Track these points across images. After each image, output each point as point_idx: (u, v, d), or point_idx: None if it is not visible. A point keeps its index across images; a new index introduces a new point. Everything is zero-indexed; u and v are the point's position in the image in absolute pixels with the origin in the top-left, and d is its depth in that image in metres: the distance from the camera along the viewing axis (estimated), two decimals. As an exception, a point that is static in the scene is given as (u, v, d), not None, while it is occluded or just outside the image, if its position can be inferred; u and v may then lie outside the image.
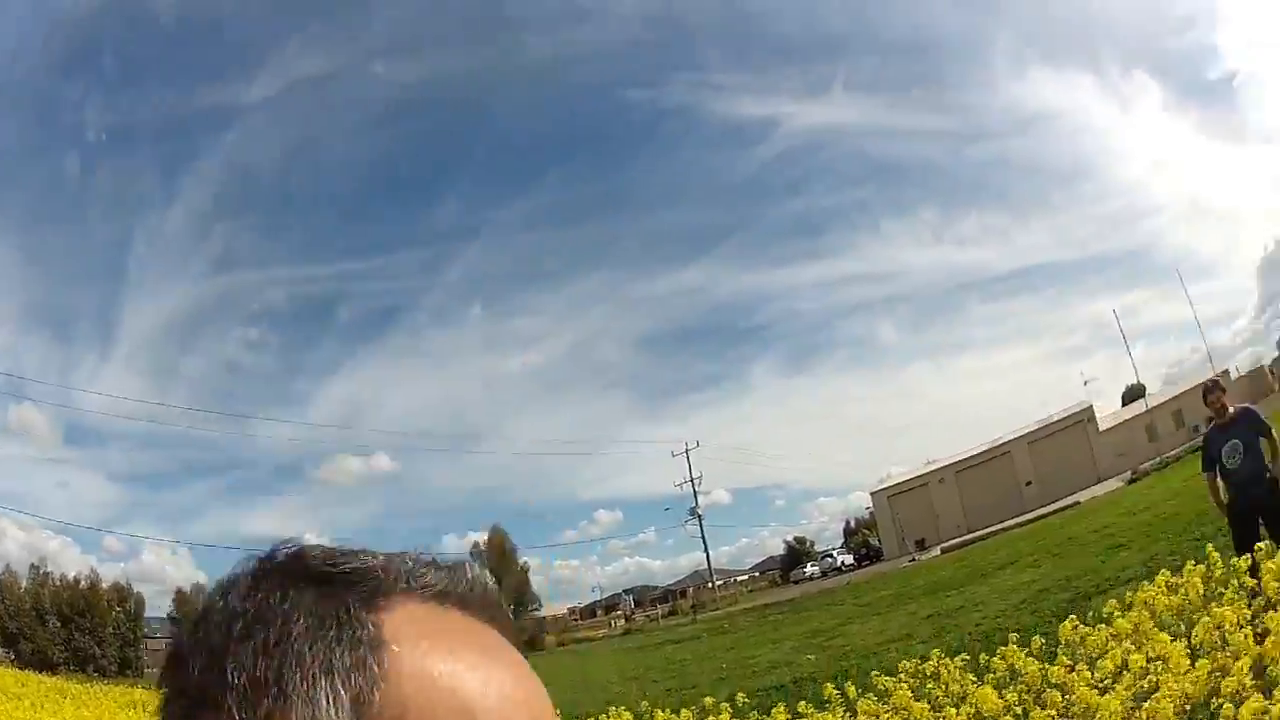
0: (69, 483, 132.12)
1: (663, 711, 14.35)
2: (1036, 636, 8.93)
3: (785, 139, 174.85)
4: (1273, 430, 10.62)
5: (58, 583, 55.37)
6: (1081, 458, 72.09)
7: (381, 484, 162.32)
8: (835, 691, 10.30)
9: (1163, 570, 14.45)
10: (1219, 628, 6.45)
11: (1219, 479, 11.29)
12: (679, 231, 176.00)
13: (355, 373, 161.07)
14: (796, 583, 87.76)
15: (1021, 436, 77.80)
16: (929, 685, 8.88)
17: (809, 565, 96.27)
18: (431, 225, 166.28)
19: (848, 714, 9.93)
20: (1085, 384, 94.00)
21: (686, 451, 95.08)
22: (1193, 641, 6.41)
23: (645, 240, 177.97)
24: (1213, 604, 7.38)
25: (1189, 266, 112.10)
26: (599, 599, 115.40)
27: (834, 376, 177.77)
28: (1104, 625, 8.24)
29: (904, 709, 8.63)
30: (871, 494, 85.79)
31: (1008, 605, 18.88)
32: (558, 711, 0.85)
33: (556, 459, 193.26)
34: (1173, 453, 55.29)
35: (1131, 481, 49.67)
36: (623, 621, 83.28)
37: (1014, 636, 9.34)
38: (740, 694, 15.32)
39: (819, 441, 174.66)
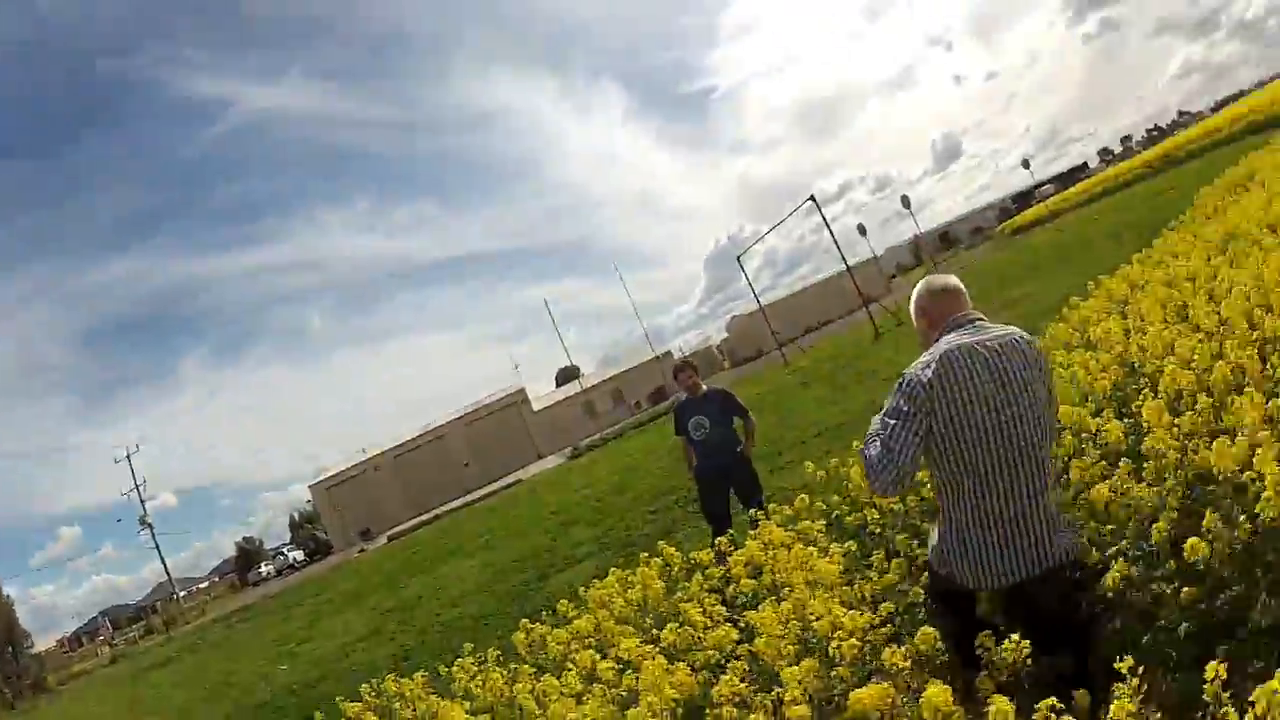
0: None
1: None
2: (491, 649, 8.83)
3: (236, 119, 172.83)
4: (749, 414, 11.11)
5: None
6: (518, 437, 75.98)
7: None
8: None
9: (614, 546, 16.56)
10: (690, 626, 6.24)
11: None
12: (122, 215, 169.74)
13: None
14: (255, 584, 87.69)
15: (457, 419, 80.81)
16: (397, 706, 8.74)
17: (263, 565, 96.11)
18: None
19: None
20: (516, 367, 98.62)
21: (128, 457, 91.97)
22: (663, 642, 6.19)
23: (89, 225, 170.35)
24: (679, 597, 7.48)
25: (633, 258, 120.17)
26: (81, 626, 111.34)
27: (263, 367, 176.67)
28: (562, 629, 8.07)
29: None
30: (310, 487, 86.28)
31: (465, 590, 19.80)
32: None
33: (11, 472, 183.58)
34: (613, 429, 59.03)
35: (574, 458, 52.03)
36: (107, 649, 79.93)
37: (468, 646, 9.30)
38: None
39: (254, 434, 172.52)
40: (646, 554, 9.45)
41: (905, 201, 42.27)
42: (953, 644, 4.41)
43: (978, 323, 4.41)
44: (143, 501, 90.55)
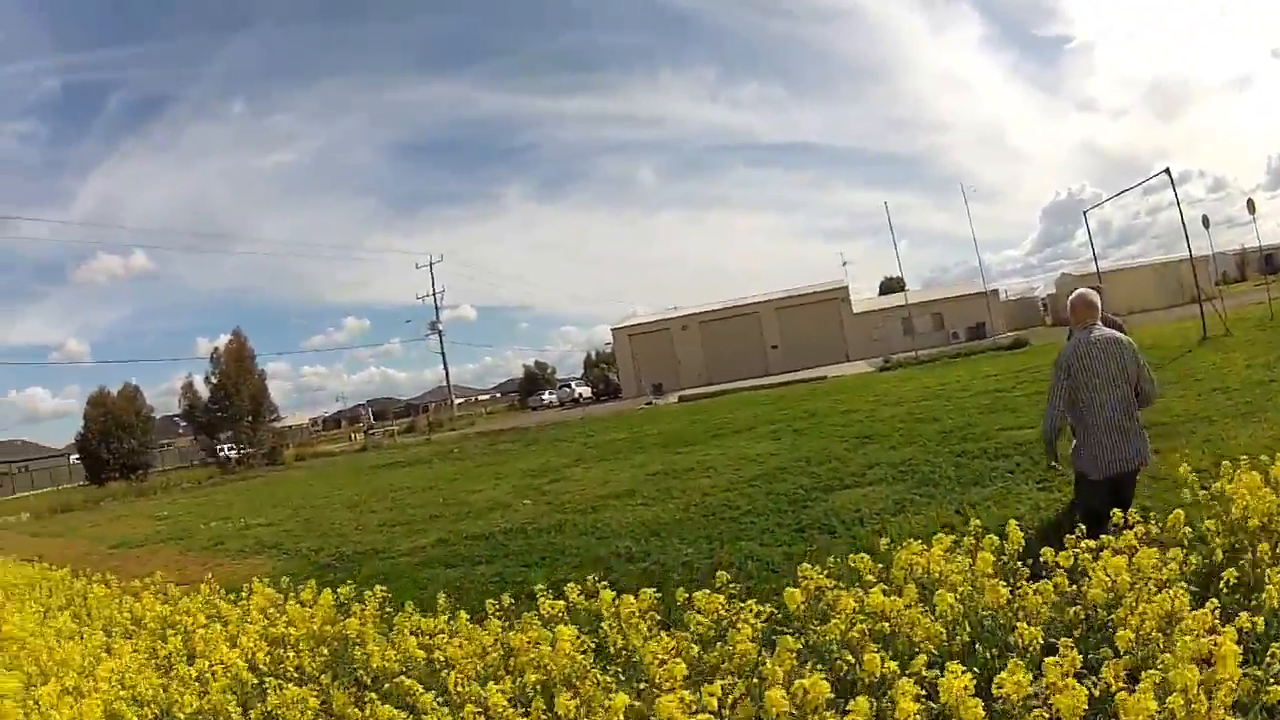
0: None
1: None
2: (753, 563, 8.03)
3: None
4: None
5: None
6: (832, 333, 73.37)
7: (139, 283, 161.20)
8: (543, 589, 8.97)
9: (910, 479, 14.39)
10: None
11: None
12: (445, 41, 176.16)
13: (117, 168, 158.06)
14: (534, 409, 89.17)
15: (771, 300, 78.18)
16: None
17: (547, 393, 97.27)
18: (204, 12, 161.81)
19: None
20: (844, 264, 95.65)
21: (430, 264, 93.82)
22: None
23: (410, 45, 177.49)
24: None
25: (969, 188, 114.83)
26: (343, 409, 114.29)
27: (587, 210, 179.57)
28: (847, 594, 6.20)
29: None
30: (613, 330, 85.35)
31: (740, 477, 17.85)
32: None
33: (307, 262, 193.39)
34: (928, 351, 55.55)
35: (884, 369, 49.06)
36: (361, 436, 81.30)
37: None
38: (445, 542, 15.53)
39: (567, 271, 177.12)
40: (976, 521, 8.00)
41: (1250, 206, 37.88)
42: (1087, 514, 7.95)
43: (1094, 327, 8.24)
44: (438, 308, 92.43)
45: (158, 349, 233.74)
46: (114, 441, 62.92)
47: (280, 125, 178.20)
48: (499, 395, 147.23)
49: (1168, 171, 34.55)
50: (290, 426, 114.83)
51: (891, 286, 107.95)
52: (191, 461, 76.29)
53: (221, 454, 65.07)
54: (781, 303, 78.39)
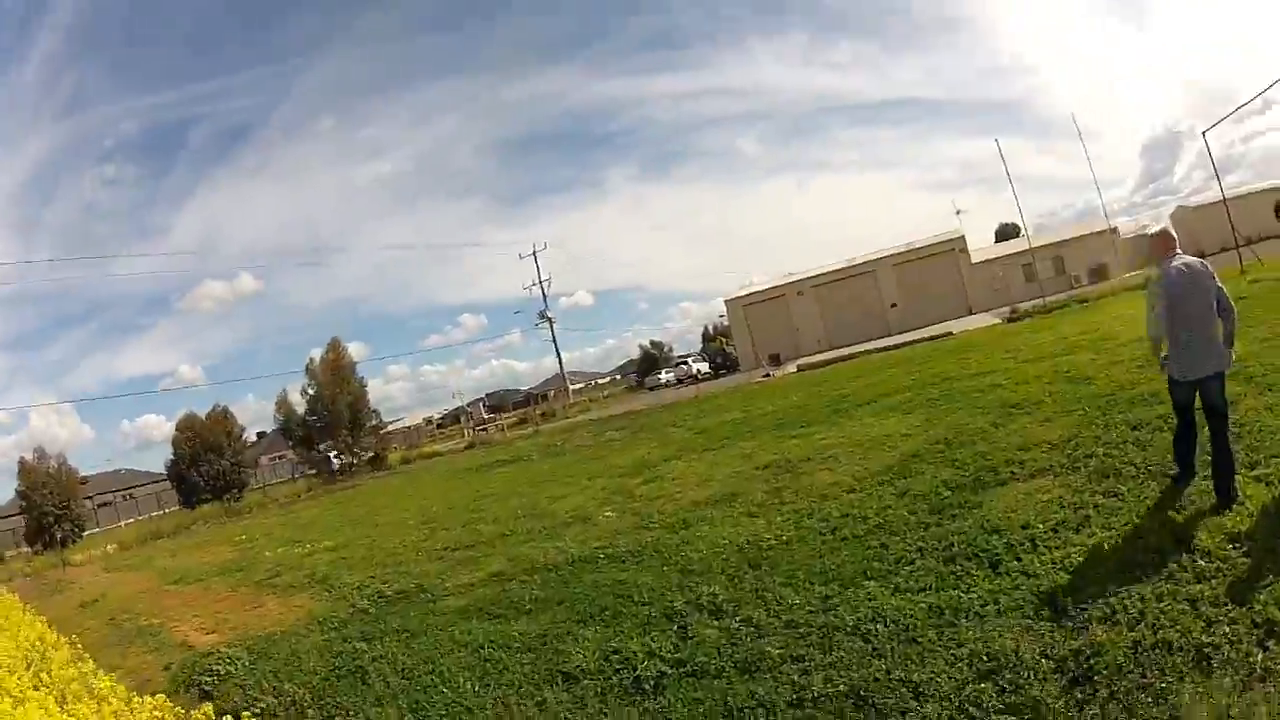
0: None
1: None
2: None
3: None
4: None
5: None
6: (952, 287, 70.36)
7: (247, 305, 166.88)
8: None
9: (1082, 468, 11.44)
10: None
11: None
12: (535, 38, 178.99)
13: (210, 197, 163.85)
14: (651, 389, 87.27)
15: (887, 257, 75.15)
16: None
17: (664, 372, 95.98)
18: (283, 39, 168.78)
19: None
20: (958, 213, 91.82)
21: (534, 254, 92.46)
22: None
23: (500, 47, 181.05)
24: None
25: (1069, 129, 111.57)
26: (461, 405, 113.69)
27: (692, 185, 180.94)
28: None
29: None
30: (726, 302, 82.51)
31: (865, 470, 14.67)
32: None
33: (416, 266, 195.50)
34: (1054, 297, 52.37)
35: (1011, 320, 45.88)
36: (468, 433, 79.65)
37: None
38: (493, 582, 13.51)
39: (678, 248, 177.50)
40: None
41: None
42: (1176, 408, 9.71)
43: (1177, 255, 9.26)
44: (544, 296, 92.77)
45: (271, 367, 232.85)
46: (203, 464, 61.61)
47: (374, 137, 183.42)
48: (618, 377, 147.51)
49: None
50: (408, 427, 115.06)
51: (1006, 233, 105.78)
52: (294, 475, 76.49)
53: (330, 461, 64.71)
54: (898, 259, 74.98)
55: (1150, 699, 5.75)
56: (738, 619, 9.21)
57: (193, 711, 8.64)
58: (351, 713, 9.90)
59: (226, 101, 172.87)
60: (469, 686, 9.58)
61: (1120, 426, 12.71)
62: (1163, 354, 9.63)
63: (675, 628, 9.34)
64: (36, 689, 10.32)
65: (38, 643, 14.39)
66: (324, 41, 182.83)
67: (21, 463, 58.50)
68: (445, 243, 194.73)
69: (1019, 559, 8.71)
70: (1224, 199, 40.79)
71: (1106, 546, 8.35)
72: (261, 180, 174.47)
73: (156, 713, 8.96)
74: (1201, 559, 7.60)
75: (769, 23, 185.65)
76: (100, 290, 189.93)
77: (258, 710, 10.51)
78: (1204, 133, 38.49)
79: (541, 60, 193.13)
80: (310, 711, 10.41)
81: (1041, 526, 9.39)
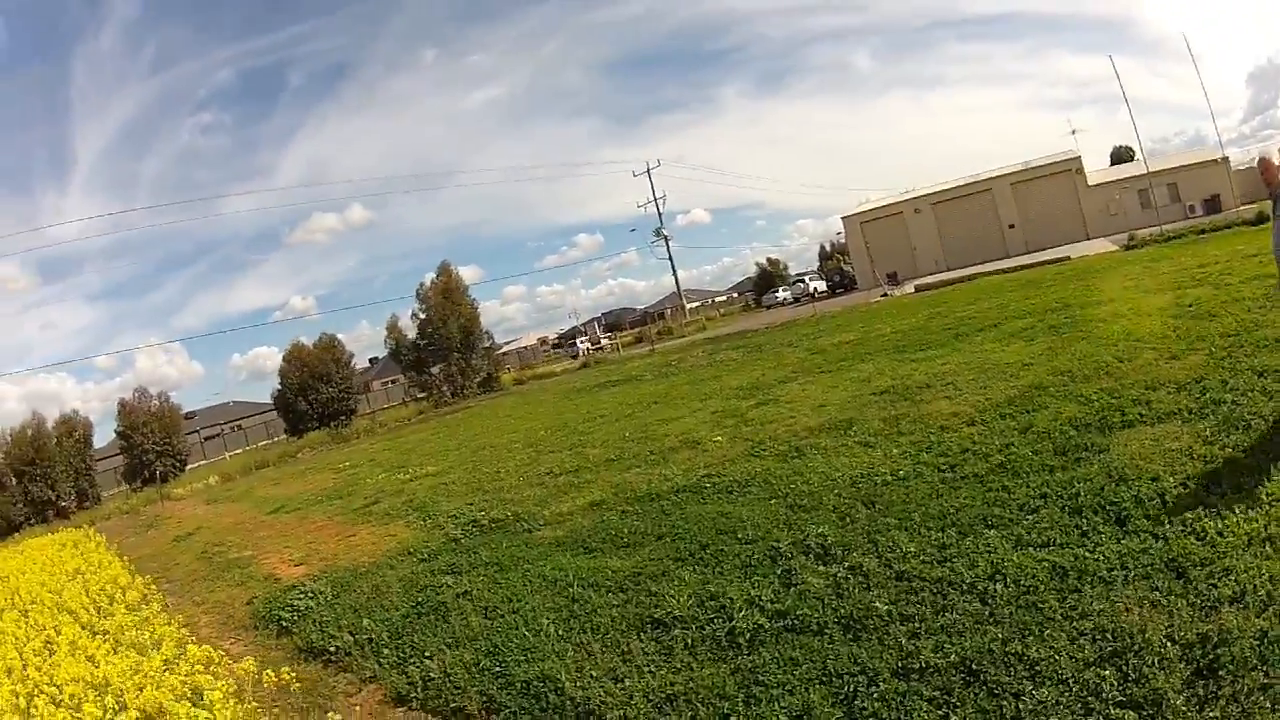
0: (53, 321, 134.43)
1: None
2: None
3: None
4: None
5: (7, 438, 53.84)
6: (1069, 209, 69.04)
7: (360, 234, 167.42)
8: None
9: (1216, 417, 10.62)
10: None
11: None
12: None
13: (315, 134, 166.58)
14: (769, 308, 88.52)
15: (1004, 176, 73.71)
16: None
17: (780, 290, 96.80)
18: None
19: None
20: (1073, 133, 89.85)
21: (649, 171, 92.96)
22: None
23: None
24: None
25: (1176, 50, 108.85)
26: (577, 324, 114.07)
27: (806, 101, 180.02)
28: None
29: None
30: (844, 219, 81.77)
31: (988, 401, 14.30)
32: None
33: (531, 188, 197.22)
34: (1172, 225, 51.40)
35: (1129, 247, 44.52)
36: (583, 353, 79.78)
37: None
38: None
39: (794, 165, 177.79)
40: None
41: None
42: None
43: None
44: (660, 214, 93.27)
45: (386, 293, 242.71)
46: (312, 393, 62.91)
47: (479, 64, 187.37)
48: (735, 295, 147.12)
49: None
50: (525, 347, 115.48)
51: (1121, 156, 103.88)
52: (404, 399, 77.23)
53: (437, 386, 64.85)
54: (1015, 178, 73.29)
55: (1269, 703, 5.28)
56: (846, 565, 8.88)
57: (236, 665, 9.03)
58: (428, 654, 9.76)
59: (322, 41, 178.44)
60: (553, 630, 9.37)
61: (1246, 373, 12.14)
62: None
63: (779, 571, 9.09)
64: (93, 636, 11.25)
65: (108, 586, 15.29)
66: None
67: (121, 404, 60.20)
68: (559, 163, 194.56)
69: (1148, 516, 8.19)
70: None
71: (1237, 510, 7.77)
72: (366, 115, 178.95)
73: (200, 664, 9.17)
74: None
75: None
76: (206, 233, 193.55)
77: (333, 649, 10.81)
78: None
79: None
80: (385, 651, 10.34)
81: (1171, 480, 8.83)
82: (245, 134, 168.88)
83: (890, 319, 33.48)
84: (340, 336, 65.78)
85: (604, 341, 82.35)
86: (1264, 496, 7.88)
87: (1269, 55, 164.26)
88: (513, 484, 18.28)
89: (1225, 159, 69.28)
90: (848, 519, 10.33)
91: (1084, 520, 8.51)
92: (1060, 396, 13.43)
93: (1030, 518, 8.91)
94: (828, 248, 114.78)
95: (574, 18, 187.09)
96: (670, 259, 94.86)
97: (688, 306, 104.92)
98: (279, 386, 64.81)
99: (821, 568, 9.01)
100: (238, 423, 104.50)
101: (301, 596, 13.36)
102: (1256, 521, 7.39)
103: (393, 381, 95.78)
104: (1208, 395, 11.53)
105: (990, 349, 19.55)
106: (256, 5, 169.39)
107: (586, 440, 21.37)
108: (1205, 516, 7.81)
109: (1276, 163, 9.71)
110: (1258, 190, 67.37)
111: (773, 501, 11.81)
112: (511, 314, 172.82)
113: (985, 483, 10.32)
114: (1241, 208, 55.45)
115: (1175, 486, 8.68)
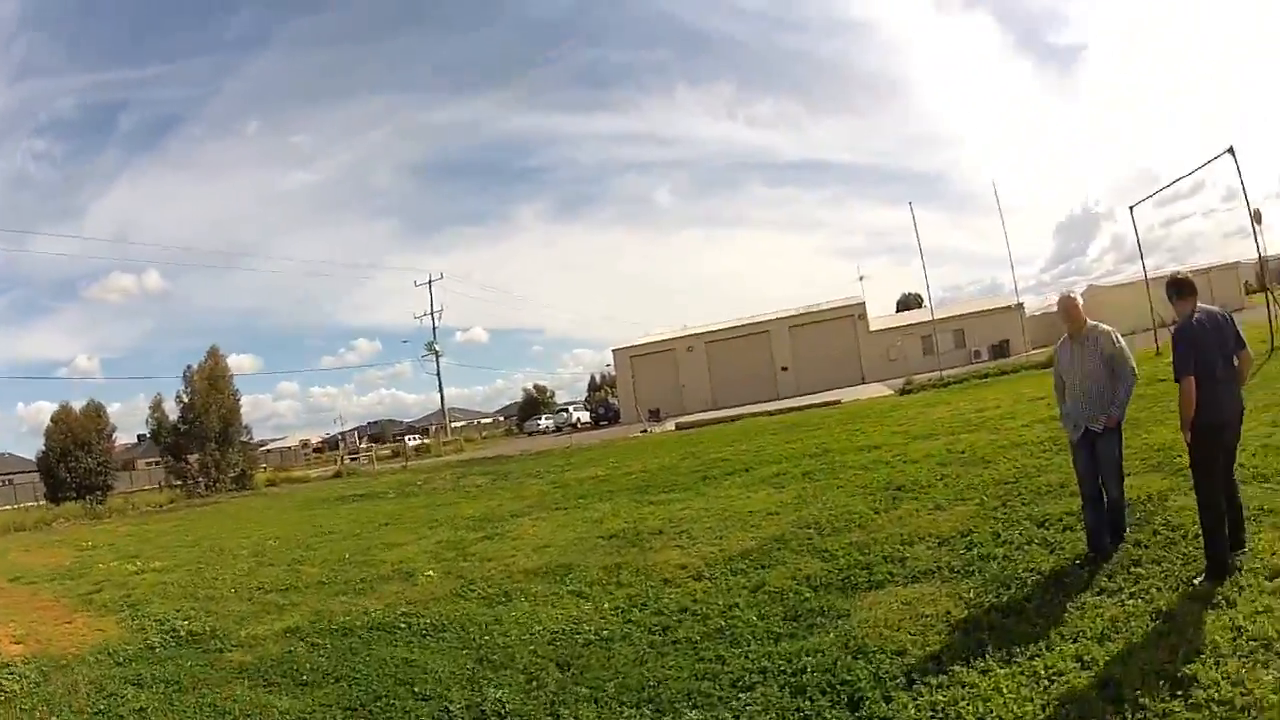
0: None
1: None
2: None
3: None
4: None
5: None
6: (847, 353, 70.07)
7: (152, 302, 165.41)
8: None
9: (979, 576, 9.43)
10: None
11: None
12: (465, 61, 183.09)
13: (133, 185, 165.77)
14: (530, 434, 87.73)
15: (783, 318, 74.34)
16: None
17: (544, 417, 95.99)
18: (221, 34, 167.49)
19: None
20: (860, 278, 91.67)
21: (430, 282, 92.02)
22: None
23: (434, 68, 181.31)
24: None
25: (983, 204, 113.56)
26: (342, 430, 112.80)
27: (605, 230, 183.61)
28: None
29: None
30: (614, 352, 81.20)
31: (721, 553, 12.69)
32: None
33: (322, 283, 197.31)
34: (952, 371, 51.37)
35: (904, 392, 44.37)
36: (342, 461, 77.75)
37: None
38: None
39: (583, 292, 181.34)
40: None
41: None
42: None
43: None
44: (434, 327, 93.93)
45: (169, 368, 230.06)
46: (73, 460, 59.38)
47: (299, 145, 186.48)
48: (501, 419, 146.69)
49: (1231, 150, 30.35)
50: (289, 448, 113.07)
51: (908, 303, 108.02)
52: (161, 484, 73.21)
53: (193, 475, 61.81)
54: (794, 320, 74.22)
55: None
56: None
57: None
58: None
59: (161, 90, 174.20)
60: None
61: (1023, 523, 10.90)
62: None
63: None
64: None
65: None
66: (260, 41, 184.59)
67: None
68: (351, 263, 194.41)
69: (887, 698, 6.62)
70: (1146, 278, 40.03)
71: (1005, 691, 6.30)
72: (184, 175, 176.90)
73: None
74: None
75: (698, 70, 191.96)
76: (11, 267, 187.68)
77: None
78: (1131, 208, 37.81)
79: (470, 84, 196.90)
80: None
81: (920, 653, 7.30)
82: (70, 169, 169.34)
83: (642, 456, 32.43)
84: (117, 406, 63.44)
85: (360, 454, 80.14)
86: (1041, 670, 6.53)
87: (1081, 205, 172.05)
88: (224, 595, 16.72)
89: (1020, 305, 71.53)
90: (535, 682, 8.64)
91: (807, 702, 6.91)
92: (801, 551, 12.03)
93: (744, 696, 7.27)
94: (598, 379, 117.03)
95: (397, 114, 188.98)
96: (439, 375, 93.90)
97: (453, 425, 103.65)
98: (43, 449, 61.33)
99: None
100: (9, 476, 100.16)
101: (9, 678, 12.10)
102: (1031, 704, 6.06)
103: (157, 462, 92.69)
104: (975, 550, 10.24)
105: (735, 495, 18.19)
106: (117, 36, 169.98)
107: (307, 557, 19.80)
108: (962, 699, 6.34)
109: (1080, 304, 9.87)
110: (1052, 334, 69.41)
111: (464, 652, 10.15)
112: (283, 410, 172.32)
113: (699, 650, 8.65)
114: (1032, 352, 57.28)
115: (924, 661, 7.17)
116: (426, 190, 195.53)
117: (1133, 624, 7.05)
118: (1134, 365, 9.41)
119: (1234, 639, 6.40)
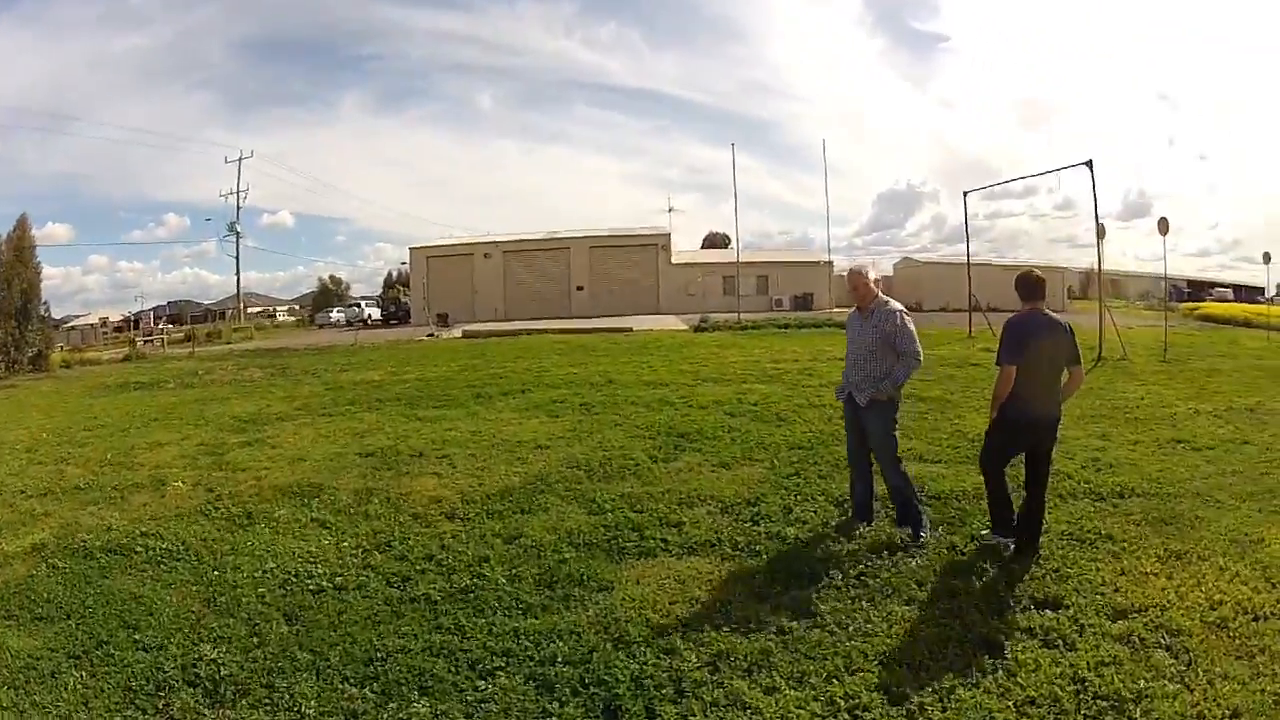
0: None
1: None
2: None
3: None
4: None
5: None
6: (645, 282, 70.89)
7: None
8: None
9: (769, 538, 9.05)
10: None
11: None
12: None
13: None
14: (321, 326, 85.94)
15: (586, 237, 74.13)
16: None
17: (335, 310, 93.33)
18: None
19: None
20: (669, 210, 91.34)
21: (240, 160, 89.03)
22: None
23: None
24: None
25: (813, 160, 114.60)
26: (142, 310, 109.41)
27: (422, 126, 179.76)
28: None
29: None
30: (411, 250, 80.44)
31: (479, 490, 11.74)
32: None
33: (140, 153, 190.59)
34: (752, 315, 52.00)
35: (699, 330, 44.41)
36: (133, 345, 75.22)
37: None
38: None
39: (394, 187, 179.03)
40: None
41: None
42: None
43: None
44: (239, 208, 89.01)
45: None
46: None
47: (138, 8, 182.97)
48: (298, 308, 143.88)
49: (1089, 164, 31.27)
50: (89, 325, 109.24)
51: (715, 242, 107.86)
52: None
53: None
54: (596, 241, 74.09)
55: None
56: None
57: None
58: None
59: None
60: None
61: (818, 499, 10.21)
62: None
63: (151, 712, 6.17)
64: None
65: None
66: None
67: None
68: (168, 133, 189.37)
69: (651, 711, 5.60)
70: (969, 262, 41.51)
71: (788, 701, 5.54)
72: (26, 31, 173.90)
73: None
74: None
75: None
76: None
77: None
78: (965, 193, 38.07)
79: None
80: None
81: (694, 654, 6.29)
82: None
83: (423, 364, 31.85)
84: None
85: (153, 336, 77.52)
86: (840, 699, 5.67)
87: (907, 182, 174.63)
88: (-21, 499, 15.04)
89: (830, 263, 73.11)
90: (258, 638, 7.39)
91: (555, 704, 5.81)
92: (568, 497, 11.08)
93: (481, 685, 6.14)
94: (393, 275, 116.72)
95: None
96: (238, 258, 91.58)
97: (250, 310, 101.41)
98: None
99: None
100: None
101: None
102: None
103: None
104: (762, 525, 9.40)
105: (507, 419, 17.41)
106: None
107: (74, 455, 17.88)
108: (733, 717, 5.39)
109: (871, 278, 9.45)
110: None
111: (194, 589, 8.83)
112: (91, 285, 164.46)
113: (438, 613, 7.52)
114: (835, 310, 58.46)
115: (698, 666, 6.16)
116: (252, 67, 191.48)
117: (950, 653, 6.22)
118: (918, 348, 9.01)
119: (1078, 694, 5.61)
